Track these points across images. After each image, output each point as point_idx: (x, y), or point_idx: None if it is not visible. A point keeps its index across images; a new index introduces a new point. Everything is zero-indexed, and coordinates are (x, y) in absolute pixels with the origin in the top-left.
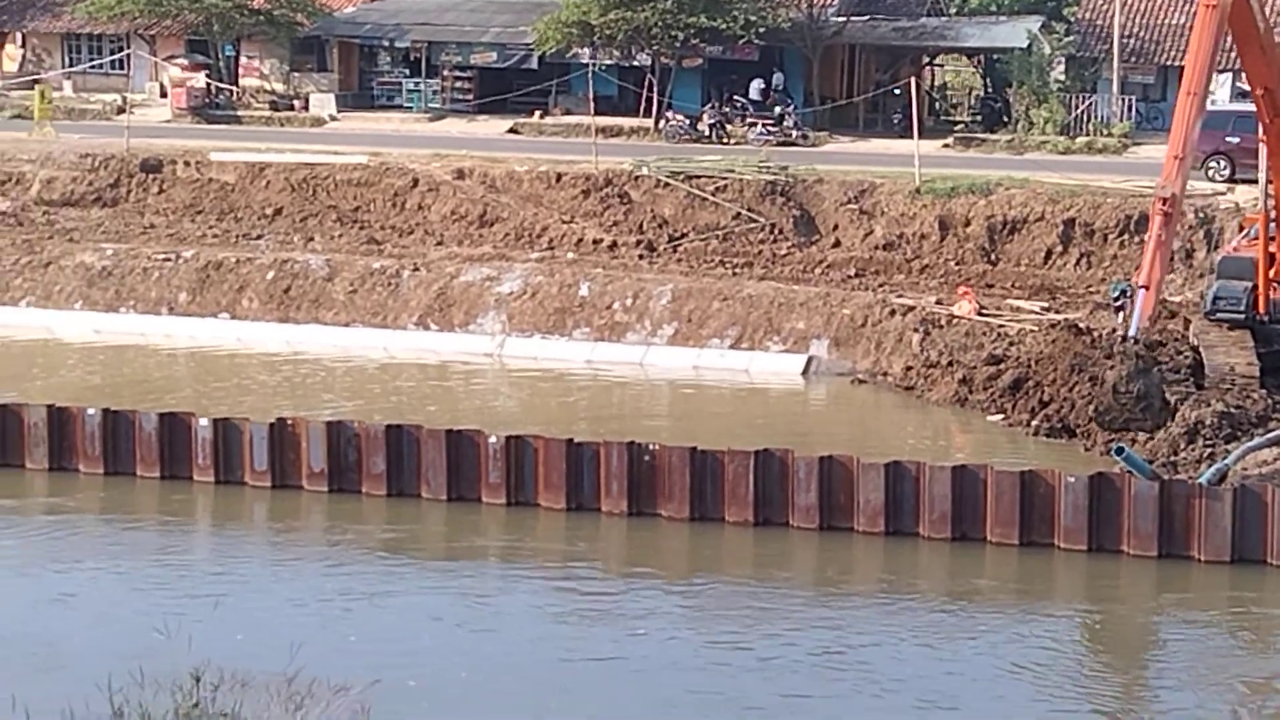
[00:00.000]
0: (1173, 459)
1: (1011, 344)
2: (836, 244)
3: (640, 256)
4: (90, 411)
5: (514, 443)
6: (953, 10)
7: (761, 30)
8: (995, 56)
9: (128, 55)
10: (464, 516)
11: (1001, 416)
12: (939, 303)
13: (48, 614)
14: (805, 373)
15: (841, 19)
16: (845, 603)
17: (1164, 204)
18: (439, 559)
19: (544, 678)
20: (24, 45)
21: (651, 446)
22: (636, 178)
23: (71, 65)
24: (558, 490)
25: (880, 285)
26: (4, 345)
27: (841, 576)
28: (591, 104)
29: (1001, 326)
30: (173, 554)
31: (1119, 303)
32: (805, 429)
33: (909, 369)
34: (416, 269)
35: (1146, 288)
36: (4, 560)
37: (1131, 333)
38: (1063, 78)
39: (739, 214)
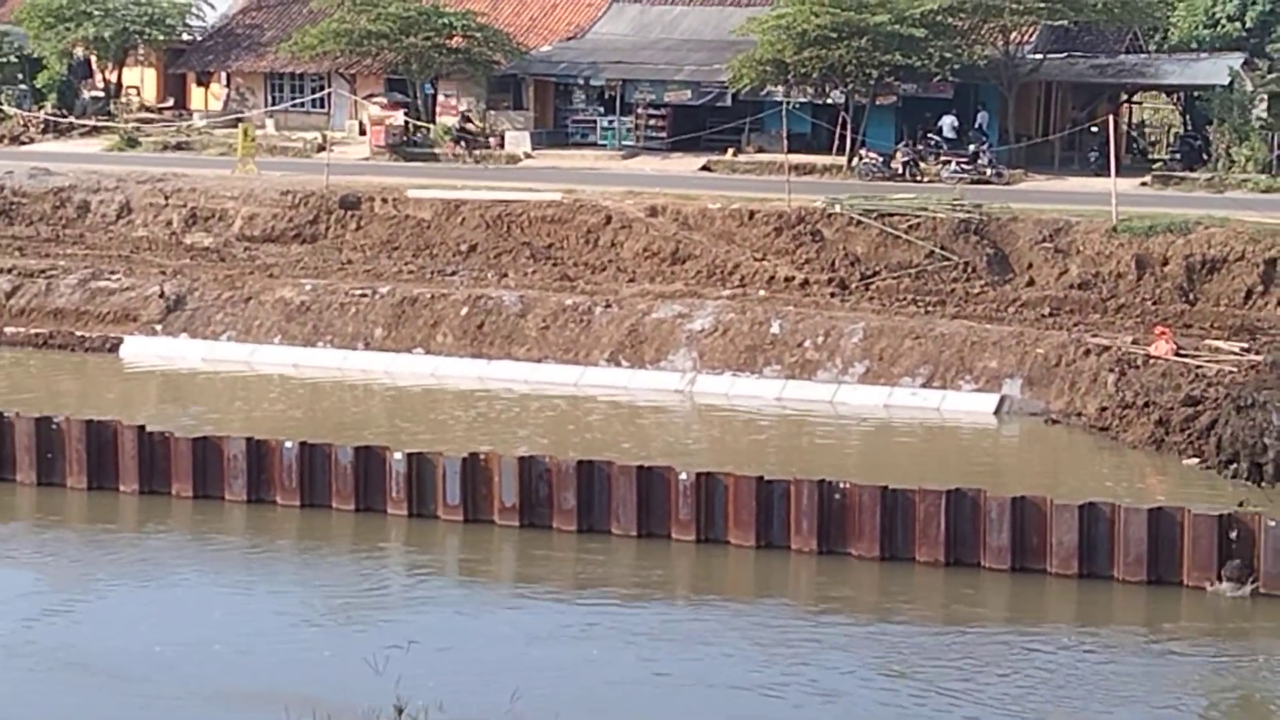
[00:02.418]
0: None
1: (1210, 385)
2: (1030, 283)
3: (832, 294)
4: (288, 445)
5: (705, 479)
6: (1152, 47)
7: (957, 68)
8: (1195, 94)
9: (328, 94)
10: (654, 553)
11: (1198, 460)
12: (1135, 343)
13: (248, 646)
14: (998, 412)
15: (1038, 56)
16: (1040, 646)
17: None
18: (630, 595)
19: (740, 714)
20: (228, 84)
21: (842, 484)
22: (829, 215)
23: (274, 104)
24: (748, 527)
25: (1075, 325)
26: (206, 378)
27: (1035, 619)
28: (785, 141)
29: (1199, 367)
30: (369, 587)
31: None
32: (997, 469)
33: (1104, 410)
34: (609, 305)
35: None
36: (205, 591)
37: None
38: (1265, 115)
39: (932, 252)
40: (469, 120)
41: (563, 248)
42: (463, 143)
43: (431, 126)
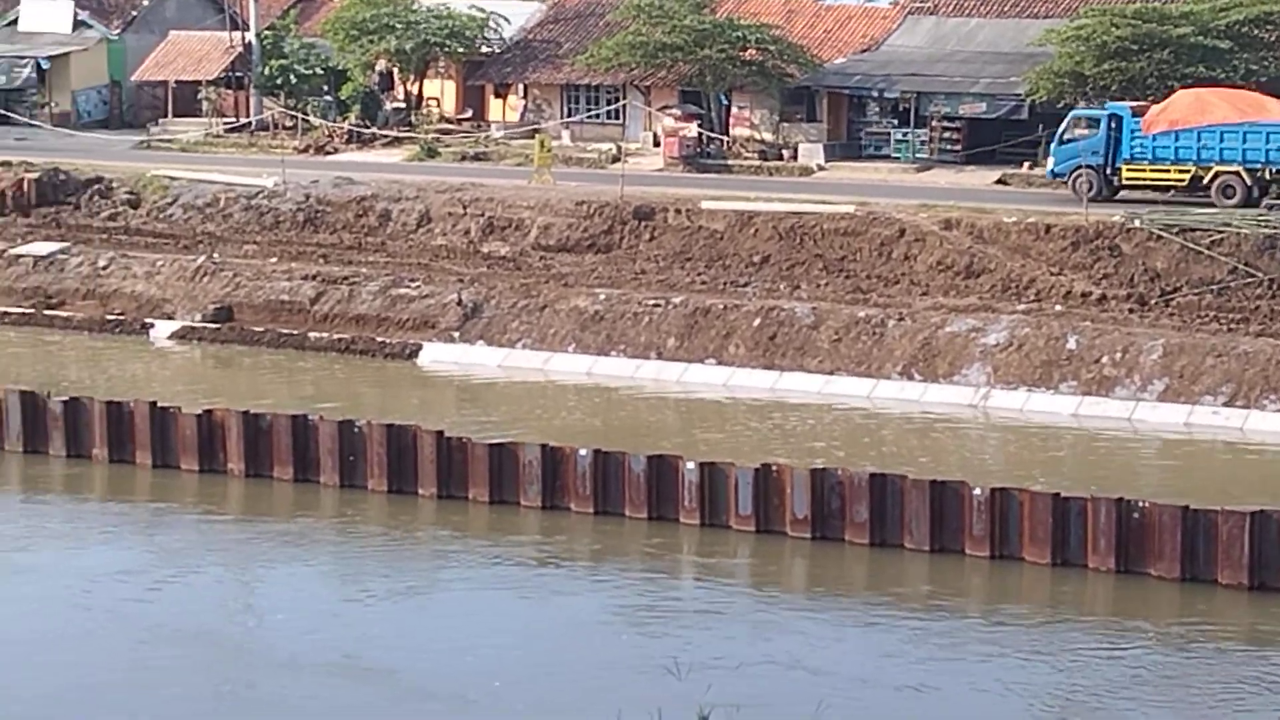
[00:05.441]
0: None
1: None
2: None
3: (1130, 310)
4: (582, 452)
5: (999, 495)
6: None
7: (1263, 80)
8: None
9: (623, 105)
10: (946, 568)
11: None
12: None
13: (543, 653)
14: None
15: None
16: None
17: None
18: (924, 610)
19: None
20: (525, 96)
21: (1141, 503)
22: (1128, 230)
23: (570, 115)
24: (1043, 545)
25: None
26: (504, 385)
27: None
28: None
29: None
30: (664, 595)
31: None
32: None
33: None
34: (901, 319)
35: None
36: (501, 596)
37: None
38: None
39: (1235, 268)
40: None
41: (855, 260)
42: None
43: (724, 138)
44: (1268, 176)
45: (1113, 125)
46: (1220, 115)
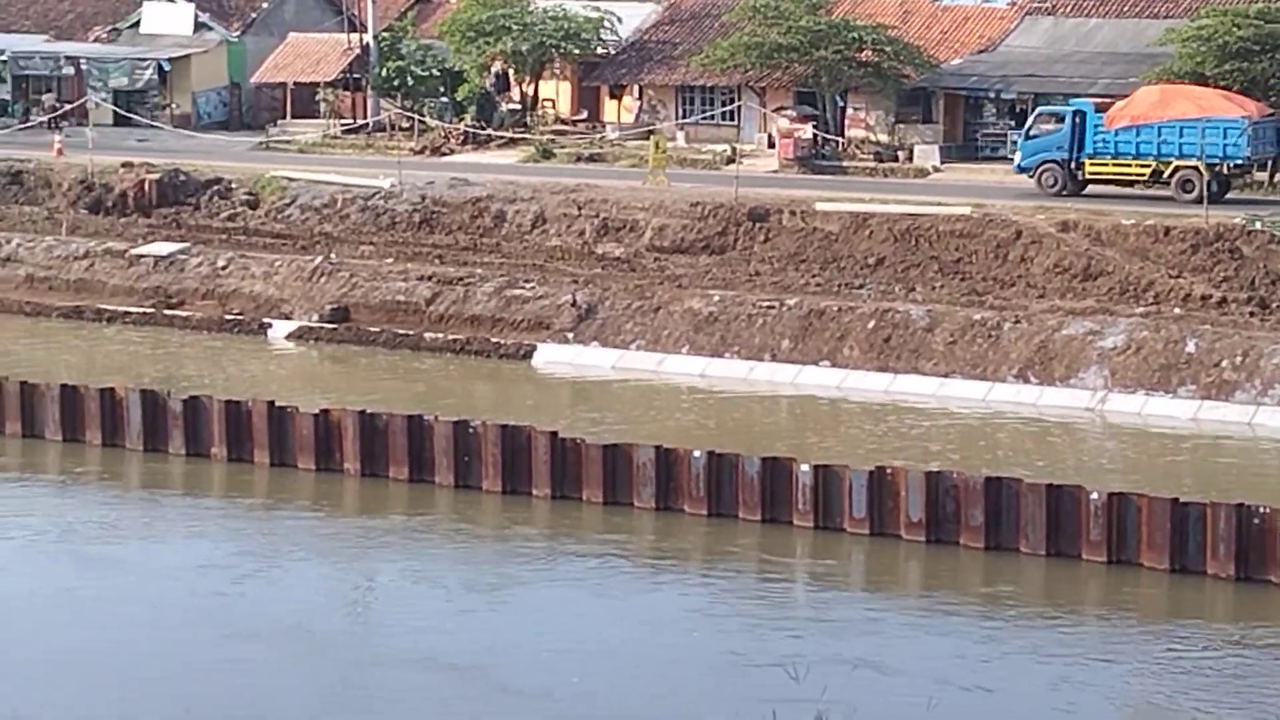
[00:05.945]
0: None
1: None
2: None
3: (1251, 314)
4: (696, 454)
5: (1117, 500)
6: None
7: None
8: None
9: (738, 107)
10: (1062, 573)
11: None
12: None
13: (656, 650)
14: None
15: None
16: None
17: None
18: (1033, 615)
19: None
20: (640, 97)
21: (1261, 509)
22: (1249, 233)
23: (684, 116)
24: (1161, 550)
25: None
26: (618, 386)
27: None
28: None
29: None
30: (776, 597)
31: None
32: None
33: None
34: (1018, 321)
35: None
36: (612, 596)
37: None
38: None
39: None
40: None
41: (971, 262)
42: None
43: (839, 139)
44: (1226, 171)
45: (1077, 121)
46: (1180, 111)
